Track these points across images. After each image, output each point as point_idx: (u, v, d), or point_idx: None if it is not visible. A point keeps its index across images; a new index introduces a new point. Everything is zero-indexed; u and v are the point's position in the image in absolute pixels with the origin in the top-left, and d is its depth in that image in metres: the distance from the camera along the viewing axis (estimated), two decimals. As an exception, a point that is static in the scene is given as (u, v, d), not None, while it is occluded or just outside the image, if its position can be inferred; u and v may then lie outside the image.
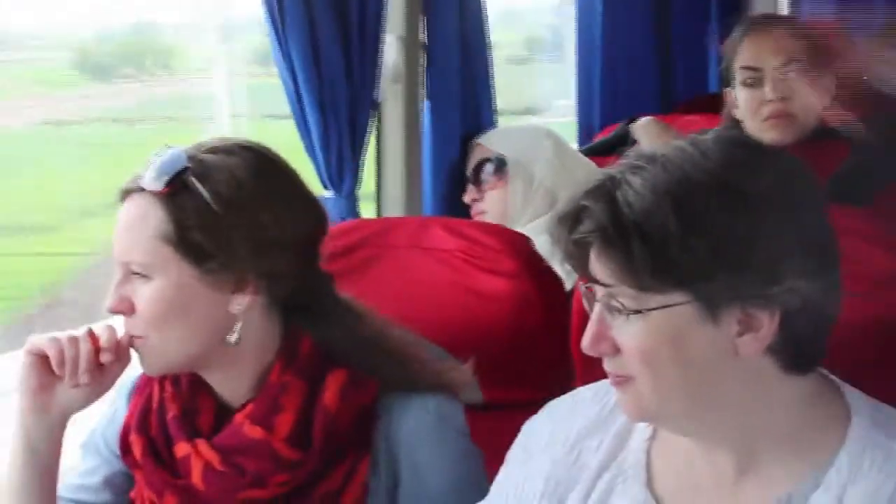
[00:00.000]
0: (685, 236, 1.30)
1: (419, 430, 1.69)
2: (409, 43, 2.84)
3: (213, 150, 1.65)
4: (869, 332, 1.56)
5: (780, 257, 1.31)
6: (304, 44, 2.55)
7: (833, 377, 1.42)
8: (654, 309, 1.32)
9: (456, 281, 2.09)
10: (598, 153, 3.28)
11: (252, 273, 1.64)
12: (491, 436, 1.70)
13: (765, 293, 1.31)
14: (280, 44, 2.56)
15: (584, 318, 1.92)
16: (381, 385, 1.69)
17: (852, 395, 1.40)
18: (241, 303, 1.64)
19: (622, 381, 1.37)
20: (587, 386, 1.57)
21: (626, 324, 1.34)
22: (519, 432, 1.60)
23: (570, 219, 1.36)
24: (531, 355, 2.04)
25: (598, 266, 1.35)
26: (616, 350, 1.35)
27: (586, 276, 1.37)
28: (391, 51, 2.81)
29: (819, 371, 1.41)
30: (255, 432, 1.66)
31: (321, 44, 2.58)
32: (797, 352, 1.36)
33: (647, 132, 3.19)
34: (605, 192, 1.33)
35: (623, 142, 3.24)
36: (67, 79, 6.71)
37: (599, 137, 3.65)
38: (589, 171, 3.02)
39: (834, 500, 1.33)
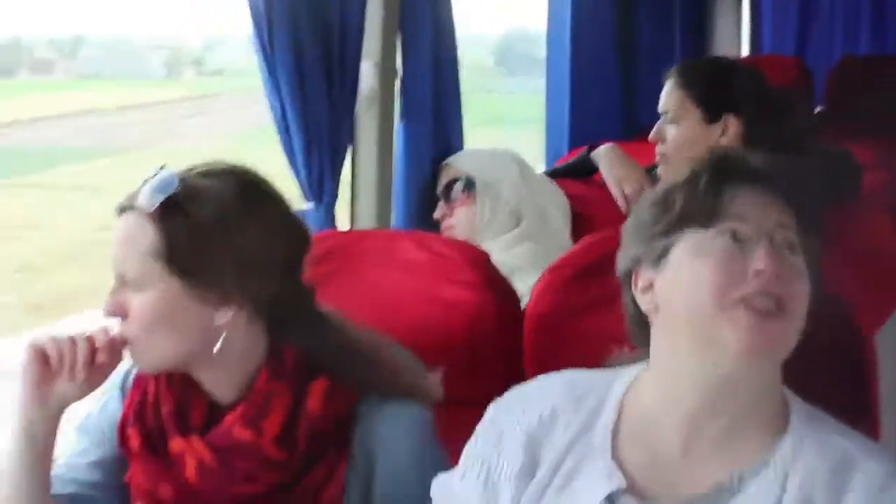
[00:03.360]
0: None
1: (394, 434, 1.72)
2: (384, 69, 2.89)
3: (203, 174, 1.70)
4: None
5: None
6: (290, 69, 2.60)
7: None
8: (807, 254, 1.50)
9: (420, 289, 2.13)
10: (561, 176, 3.33)
11: (235, 289, 1.67)
12: (447, 427, 1.74)
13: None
14: (268, 69, 2.60)
15: (537, 331, 2.01)
16: (360, 391, 1.73)
17: (790, 395, 1.50)
18: (224, 316, 1.68)
19: (781, 305, 1.42)
20: (555, 374, 1.63)
21: (791, 261, 1.47)
22: (471, 421, 1.64)
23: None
24: (485, 358, 2.09)
25: (777, 212, 1.48)
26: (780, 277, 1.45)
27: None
28: (368, 76, 2.86)
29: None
30: (244, 434, 1.69)
31: (305, 69, 2.62)
32: None
33: (606, 158, 3.23)
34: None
35: (584, 166, 3.29)
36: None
37: (563, 161, 3.67)
38: (551, 193, 3.12)
39: (781, 473, 1.42)
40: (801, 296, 1.44)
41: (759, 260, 1.42)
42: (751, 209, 1.46)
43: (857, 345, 1.87)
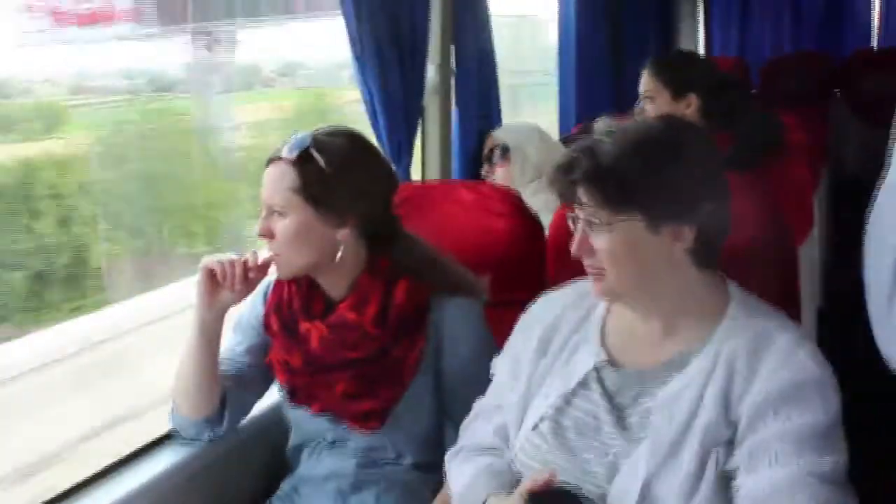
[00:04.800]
0: (641, 176, 1.36)
1: (456, 318, 1.75)
2: (443, 68, 2.86)
3: (328, 133, 1.70)
4: (741, 252, 1.63)
5: (697, 192, 1.38)
6: (376, 71, 2.56)
7: (722, 274, 1.48)
8: (619, 224, 1.37)
9: (472, 220, 2.12)
10: (571, 142, 3.28)
11: (351, 214, 1.69)
12: (491, 321, 1.78)
13: (687, 214, 1.38)
14: (361, 72, 2.57)
15: (557, 248, 1.97)
16: (431, 289, 1.75)
17: (732, 286, 1.47)
18: (342, 234, 1.70)
19: (597, 273, 1.42)
20: (568, 284, 1.61)
21: (600, 234, 1.39)
22: (509, 318, 1.64)
23: (566, 167, 1.41)
24: (518, 270, 2.07)
25: (583, 196, 1.39)
26: (592, 252, 1.40)
27: (573, 204, 1.42)
28: (431, 73, 2.83)
29: (715, 271, 1.47)
30: (352, 316, 1.72)
31: (387, 71, 2.59)
32: (705, 253, 1.42)
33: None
34: (589, 148, 1.39)
35: (586, 134, 3.26)
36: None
37: (573, 132, 3.67)
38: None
39: (715, 351, 1.39)
40: (612, 256, 1.39)
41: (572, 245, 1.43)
42: (583, 200, 1.40)
43: (790, 252, 1.85)
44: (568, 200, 1.44)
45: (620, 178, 1.36)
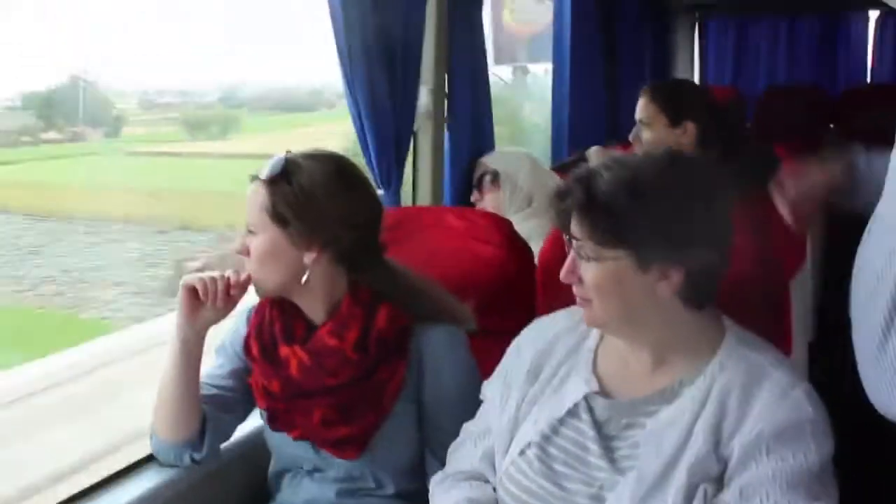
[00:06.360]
0: (632, 215, 1.35)
1: (439, 345, 1.74)
2: (436, 92, 2.86)
3: (307, 156, 1.70)
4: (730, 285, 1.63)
5: (689, 235, 1.37)
6: (366, 93, 2.56)
7: (717, 310, 1.48)
8: (606, 259, 1.38)
9: (461, 247, 2.12)
10: (562, 170, 3.28)
11: (318, 238, 1.68)
12: (478, 350, 1.77)
13: (676, 256, 1.37)
14: (351, 93, 2.57)
15: (547, 275, 1.99)
16: (414, 316, 1.74)
17: (727, 322, 1.46)
18: (309, 257, 1.69)
19: (584, 301, 1.43)
20: (562, 310, 1.62)
21: (588, 266, 1.39)
22: (498, 347, 1.65)
23: (562, 195, 1.42)
24: (508, 298, 2.06)
25: (575, 227, 1.40)
26: (580, 281, 1.41)
27: (567, 232, 1.42)
28: (424, 97, 2.83)
29: (711, 309, 1.47)
30: (332, 341, 1.71)
31: (377, 93, 2.59)
32: (694, 296, 1.42)
33: (595, 155, 3.22)
34: (585, 179, 1.39)
35: (578, 162, 3.26)
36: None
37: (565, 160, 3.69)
38: (555, 181, 3.05)
39: (707, 384, 1.39)
40: (598, 289, 1.40)
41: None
42: (574, 230, 1.42)
43: (780, 285, 1.85)
44: (562, 227, 1.44)
45: (610, 214, 1.36)
